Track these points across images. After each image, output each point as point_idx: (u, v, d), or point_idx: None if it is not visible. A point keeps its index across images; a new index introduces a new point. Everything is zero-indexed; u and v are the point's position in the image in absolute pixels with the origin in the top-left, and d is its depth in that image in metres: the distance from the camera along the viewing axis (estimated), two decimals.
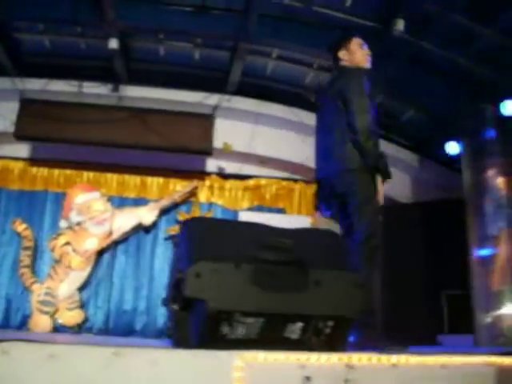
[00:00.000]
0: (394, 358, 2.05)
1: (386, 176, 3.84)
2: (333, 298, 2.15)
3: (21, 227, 8.81)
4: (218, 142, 8.66)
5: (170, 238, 2.77)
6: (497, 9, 6.74)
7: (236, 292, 2.06)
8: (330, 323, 2.15)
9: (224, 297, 2.03)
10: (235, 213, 9.21)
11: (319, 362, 1.95)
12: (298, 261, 2.17)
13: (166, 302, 2.37)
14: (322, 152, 4.00)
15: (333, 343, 2.18)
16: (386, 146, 9.53)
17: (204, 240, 2.23)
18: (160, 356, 1.91)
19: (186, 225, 2.48)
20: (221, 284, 2.04)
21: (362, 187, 3.75)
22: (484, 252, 7.47)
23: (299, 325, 2.14)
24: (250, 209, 9.33)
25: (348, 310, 2.16)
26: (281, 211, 9.39)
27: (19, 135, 8.55)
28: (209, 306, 2.00)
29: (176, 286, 2.17)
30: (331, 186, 3.84)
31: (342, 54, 4.06)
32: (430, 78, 8.19)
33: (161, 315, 8.79)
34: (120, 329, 8.75)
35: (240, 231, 2.32)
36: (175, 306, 2.20)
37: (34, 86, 8.68)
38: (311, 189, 9.42)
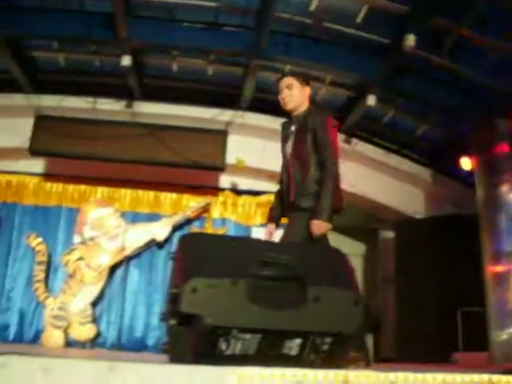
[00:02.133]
0: (393, 376, 2.04)
1: None
2: (331, 314, 2.13)
3: (35, 242, 8.88)
4: (230, 158, 8.69)
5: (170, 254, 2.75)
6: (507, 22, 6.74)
7: (233, 308, 2.06)
8: (328, 340, 2.14)
9: (221, 312, 2.03)
10: (248, 229, 9.19)
11: (316, 378, 1.93)
12: (296, 277, 2.17)
13: (163, 317, 2.36)
14: None
15: (331, 360, 2.17)
16: (399, 162, 9.55)
17: (201, 255, 2.23)
18: (155, 371, 1.91)
19: (182, 240, 2.49)
20: (217, 300, 2.04)
21: None
22: (499, 268, 7.38)
23: (297, 341, 2.13)
24: (263, 225, 9.25)
25: (346, 327, 2.14)
26: None
27: (34, 151, 8.65)
28: (205, 321, 2.00)
29: (172, 301, 2.17)
30: None
31: None
32: (443, 92, 8.16)
33: None
34: (132, 344, 8.75)
35: (237, 247, 2.32)
36: (172, 321, 2.19)
37: (49, 102, 8.79)
38: None
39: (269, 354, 2.12)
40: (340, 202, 4.06)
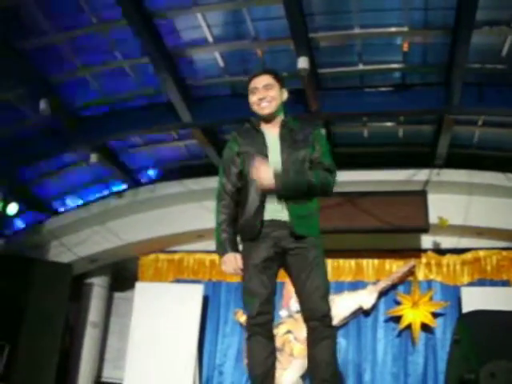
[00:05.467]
0: None
1: None
2: None
3: (243, 318, 9.08)
4: (431, 218, 8.40)
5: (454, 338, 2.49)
6: None
7: None
8: None
9: None
10: (456, 289, 8.74)
11: None
12: None
13: None
14: None
15: None
16: None
17: (492, 336, 2.07)
18: None
19: (465, 320, 2.34)
20: None
21: None
22: None
23: None
24: (472, 283, 8.81)
25: None
26: (505, 284, 8.75)
27: None
28: None
29: None
30: None
31: None
32: None
33: None
34: None
35: None
36: None
37: None
38: None
39: None
40: None
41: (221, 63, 7.49)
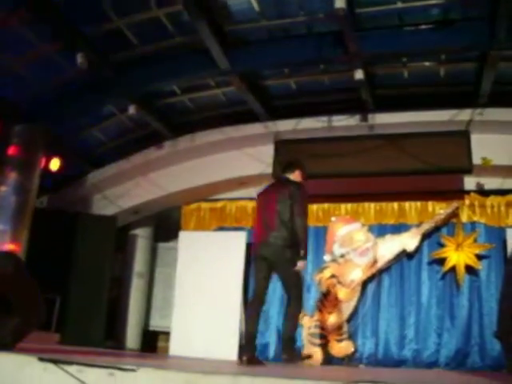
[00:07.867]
0: None
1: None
2: None
3: None
4: (475, 158, 8.26)
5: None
6: None
7: None
8: None
9: None
10: (501, 230, 8.61)
11: None
12: None
13: (499, 335, 2.17)
14: None
15: None
16: None
17: None
18: None
19: None
20: None
21: None
22: None
23: None
24: None
25: None
26: None
27: (277, 175, 8.93)
28: None
29: None
30: None
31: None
32: None
33: (431, 344, 8.50)
34: (389, 358, 8.64)
35: None
36: None
37: (285, 127, 9.09)
38: None
39: None
40: None
41: (256, 7, 7.34)
